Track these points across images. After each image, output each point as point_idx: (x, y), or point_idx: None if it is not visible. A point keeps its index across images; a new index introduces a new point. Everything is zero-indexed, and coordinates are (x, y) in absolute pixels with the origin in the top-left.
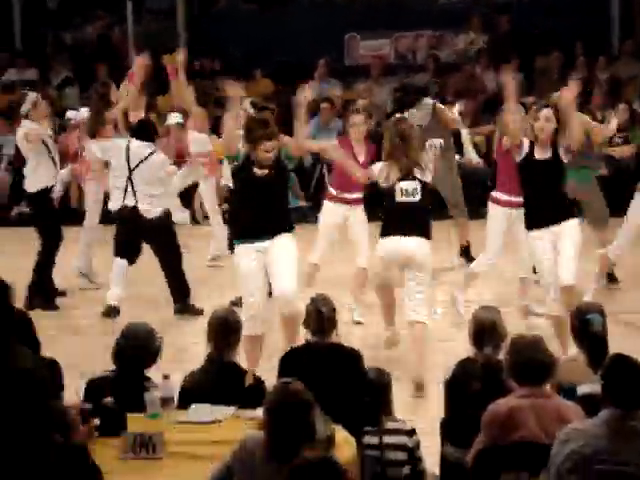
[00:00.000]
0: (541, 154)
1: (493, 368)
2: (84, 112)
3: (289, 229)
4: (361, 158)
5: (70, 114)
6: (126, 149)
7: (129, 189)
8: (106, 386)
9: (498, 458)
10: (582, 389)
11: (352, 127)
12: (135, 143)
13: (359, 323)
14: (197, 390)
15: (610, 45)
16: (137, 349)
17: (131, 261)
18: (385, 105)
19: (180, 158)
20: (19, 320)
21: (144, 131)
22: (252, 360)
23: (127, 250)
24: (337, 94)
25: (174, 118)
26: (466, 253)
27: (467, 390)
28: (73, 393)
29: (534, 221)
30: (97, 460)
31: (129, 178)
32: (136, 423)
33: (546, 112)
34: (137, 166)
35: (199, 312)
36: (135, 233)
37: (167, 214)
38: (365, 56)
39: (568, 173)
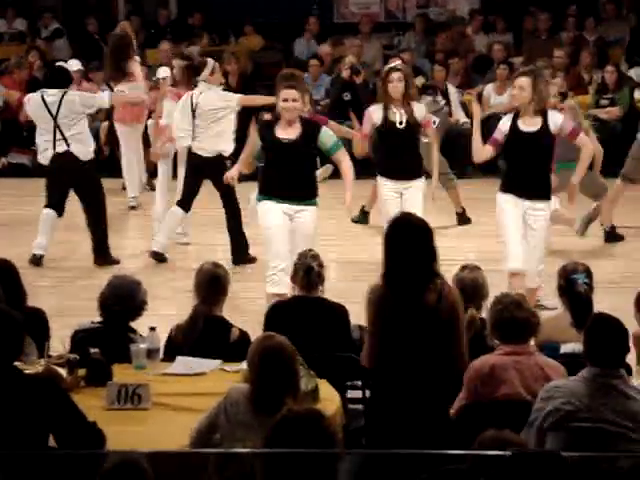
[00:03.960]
0: (527, 125)
1: (476, 326)
2: (73, 64)
3: (312, 198)
4: None
5: (70, 65)
6: (42, 101)
7: (58, 137)
8: (92, 337)
9: (480, 414)
10: (565, 347)
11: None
12: (49, 92)
13: None
14: (183, 343)
15: (598, 7)
16: (122, 301)
17: (60, 212)
18: (374, 62)
19: None
20: (3, 270)
21: (56, 78)
22: None
23: (57, 200)
24: (326, 51)
25: (163, 72)
26: (463, 219)
27: None
28: (59, 343)
29: (508, 187)
30: (83, 411)
31: (56, 126)
32: (122, 374)
33: (522, 80)
34: (58, 112)
35: (116, 262)
36: (66, 181)
37: (94, 161)
38: (354, 14)
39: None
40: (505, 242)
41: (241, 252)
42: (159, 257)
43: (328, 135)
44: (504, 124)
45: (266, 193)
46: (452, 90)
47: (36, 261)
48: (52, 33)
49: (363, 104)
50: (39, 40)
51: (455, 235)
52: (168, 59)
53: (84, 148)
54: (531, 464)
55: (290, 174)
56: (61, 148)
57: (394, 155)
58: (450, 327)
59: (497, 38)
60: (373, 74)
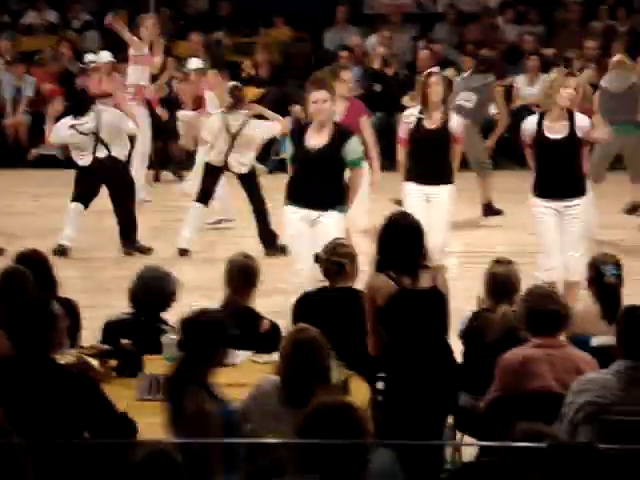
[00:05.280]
0: (553, 132)
1: (509, 321)
2: (104, 56)
3: (339, 204)
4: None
5: (90, 57)
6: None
7: (99, 144)
8: (123, 328)
9: (511, 407)
10: (596, 340)
11: (341, 83)
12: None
13: None
14: None
15: None
16: (152, 292)
17: (86, 205)
18: (404, 54)
19: (198, 104)
20: (35, 261)
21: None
22: None
23: (86, 196)
24: (356, 42)
25: (194, 63)
26: (489, 210)
27: (484, 341)
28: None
29: (540, 191)
30: (114, 401)
31: (96, 135)
32: (153, 365)
33: (574, 81)
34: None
35: (148, 251)
36: (98, 180)
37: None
38: (385, 4)
39: (614, 129)
40: (544, 253)
41: (270, 242)
42: (186, 253)
43: (354, 149)
44: (528, 127)
45: (290, 198)
46: None
47: (62, 252)
48: (83, 25)
49: (394, 96)
50: (70, 31)
51: (486, 227)
52: (198, 50)
53: (122, 150)
54: (567, 456)
55: (315, 181)
56: (101, 153)
57: (423, 160)
58: (444, 304)
59: (528, 29)
60: (403, 65)
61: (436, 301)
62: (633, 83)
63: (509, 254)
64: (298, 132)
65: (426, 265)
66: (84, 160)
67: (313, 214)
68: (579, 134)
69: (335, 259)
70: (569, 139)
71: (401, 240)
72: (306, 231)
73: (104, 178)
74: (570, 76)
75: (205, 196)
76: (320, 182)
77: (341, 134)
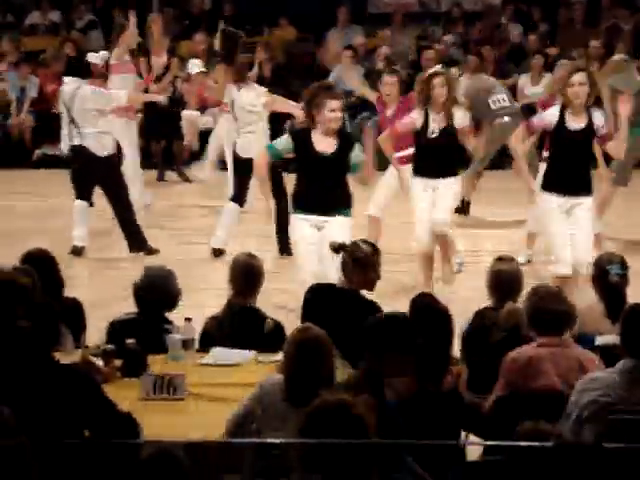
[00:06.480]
0: (574, 122)
1: (516, 319)
2: (104, 55)
3: (346, 207)
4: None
5: (90, 57)
6: (61, 92)
7: (73, 129)
8: (128, 327)
9: (516, 406)
10: (600, 339)
11: (384, 86)
12: (66, 81)
13: None
14: (218, 334)
15: None
16: (155, 291)
17: (89, 203)
18: (407, 53)
19: (202, 104)
20: (42, 260)
21: (72, 68)
22: None
23: (84, 191)
24: (360, 42)
25: (195, 65)
26: (464, 209)
27: (488, 339)
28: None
29: (550, 184)
30: (118, 401)
31: (72, 120)
32: (158, 365)
33: (580, 76)
34: (73, 102)
35: (154, 251)
36: (86, 173)
37: (115, 155)
38: (389, 4)
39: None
40: (552, 247)
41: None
42: (219, 253)
43: (356, 154)
44: (551, 115)
45: (298, 205)
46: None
47: (77, 252)
48: (86, 25)
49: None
50: (73, 32)
51: (487, 227)
52: (202, 51)
53: (98, 144)
54: (573, 455)
55: (326, 186)
56: (76, 141)
57: (427, 159)
58: (463, 408)
59: (532, 28)
60: (407, 65)
61: (455, 405)
62: None
63: (511, 253)
64: (302, 137)
65: (450, 364)
66: (63, 145)
67: (321, 219)
68: (595, 127)
69: (357, 254)
70: (588, 130)
71: (429, 336)
72: (315, 240)
73: (86, 170)
74: (575, 72)
75: (241, 195)
76: (331, 187)
77: (348, 139)
